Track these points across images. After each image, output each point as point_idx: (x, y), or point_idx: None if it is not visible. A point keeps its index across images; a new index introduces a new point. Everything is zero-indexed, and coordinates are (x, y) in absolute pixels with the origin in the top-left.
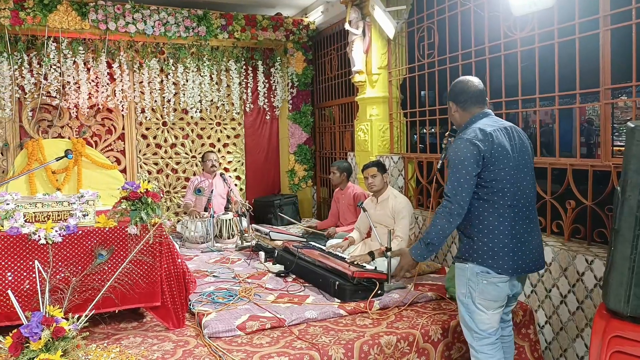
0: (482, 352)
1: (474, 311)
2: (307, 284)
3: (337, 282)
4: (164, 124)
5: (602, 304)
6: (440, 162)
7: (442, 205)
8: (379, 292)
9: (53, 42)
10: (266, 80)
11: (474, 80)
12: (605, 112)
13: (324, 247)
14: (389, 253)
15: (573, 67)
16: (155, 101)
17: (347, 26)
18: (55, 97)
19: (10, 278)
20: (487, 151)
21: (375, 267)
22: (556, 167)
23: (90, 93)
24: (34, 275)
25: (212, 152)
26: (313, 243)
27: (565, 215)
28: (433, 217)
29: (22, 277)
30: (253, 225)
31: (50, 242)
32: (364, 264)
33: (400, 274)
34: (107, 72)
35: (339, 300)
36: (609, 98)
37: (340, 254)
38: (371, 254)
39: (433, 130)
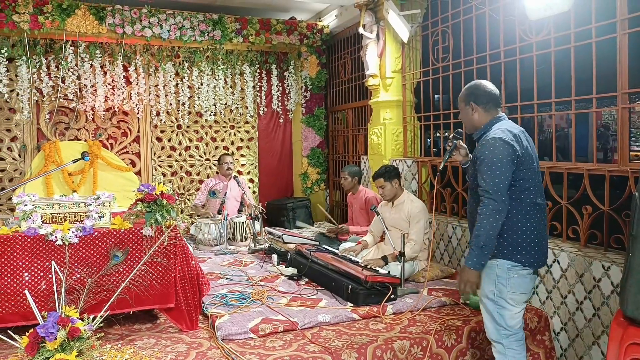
0: (510, 348)
1: (504, 307)
2: (319, 288)
3: (350, 286)
4: (179, 126)
5: (619, 311)
6: (442, 164)
7: (484, 205)
8: (392, 296)
9: (71, 45)
10: (280, 84)
11: (491, 84)
12: (622, 116)
13: (336, 251)
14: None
15: (589, 71)
16: (170, 104)
17: (361, 30)
18: (72, 100)
19: (27, 278)
20: (519, 151)
21: (389, 272)
22: (572, 172)
23: (106, 96)
24: (50, 275)
25: (227, 154)
26: (326, 246)
27: (582, 220)
28: (478, 220)
29: (39, 277)
30: (266, 228)
31: (67, 243)
32: (377, 268)
33: (465, 289)
34: (123, 76)
35: (352, 304)
36: (627, 102)
37: (353, 258)
38: (384, 259)
39: (447, 134)
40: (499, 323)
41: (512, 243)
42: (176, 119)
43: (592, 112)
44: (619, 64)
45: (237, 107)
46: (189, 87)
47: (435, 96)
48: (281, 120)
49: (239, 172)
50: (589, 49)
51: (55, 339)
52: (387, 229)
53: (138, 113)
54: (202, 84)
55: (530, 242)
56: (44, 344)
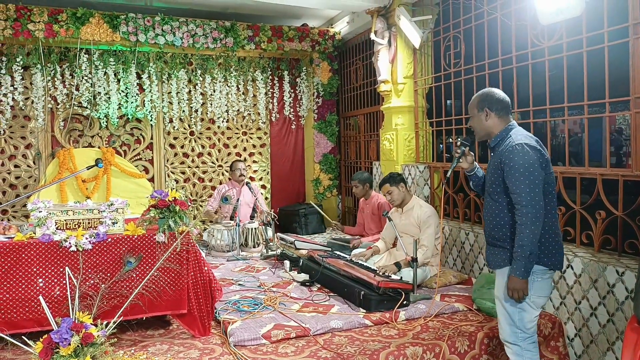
0: (527, 350)
1: (526, 310)
2: (332, 294)
3: (363, 292)
4: (192, 133)
5: (633, 317)
6: (450, 171)
7: (522, 214)
8: (405, 302)
9: (85, 53)
10: (292, 90)
11: (501, 92)
12: (635, 121)
13: (348, 257)
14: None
15: (602, 75)
16: (183, 111)
17: (372, 36)
18: (86, 108)
19: (41, 284)
20: (544, 156)
21: (401, 277)
22: (585, 177)
23: (120, 103)
24: (64, 281)
25: (240, 161)
26: (338, 252)
27: (595, 225)
28: (519, 230)
29: (53, 283)
30: (278, 234)
31: (81, 250)
32: (390, 274)
33: (514, 296)
34: (137, 83)
35: (364, 310)
36: None
37: (365, 264)
38: (397, 265)
39: (450, 140)
40: (517, 326)
41: (539, 247)
42: (189, 125)
43: (605, 117)
44: (631, 69)
45: (250, 114)
46: (201, 94)
47: (447, 101)
48: (293, 127)
49: (252, 179)
50: (601, 54)
51: (69, 344)
52: (398, 234)
53: (151, 120)
54: (214, 91)
55: (555, 245)
56: (57, 350)
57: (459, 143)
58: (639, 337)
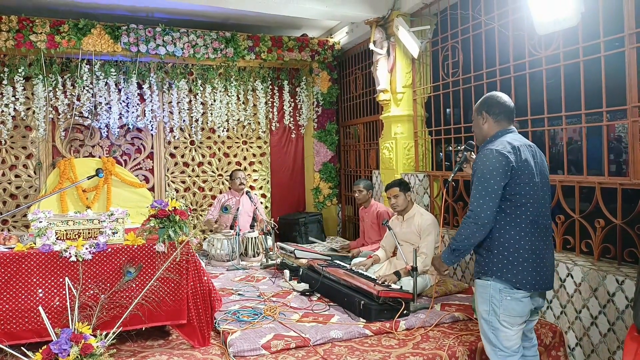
0: None
1: (498, 328)
2: (332, 303)
3: (363, 302)
4: (192, 142)
5: (633, 326)
6: (452, 175)
7: (466, 215)
8: (405, 312)
9: (86, 64)
10: (292, 100)
11: (507, 97)
12: (633, 129)
13: (348, 266)
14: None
15: (599, 84)
16: (184, 121)
17: (371, 46)
18: (87, 118)
19: (41, 294)
20: (515, 163)
21: (401, 287)
22: (584, 186)
23: (120, 113)
24: (64, 292)
25: (240, 170)
26: (338, 262)
27: (595, 234)
28: (460, 226)
29: (53, 294)
30: (278, 243)
31: (81, 260)
32: (390, 284)
33: (437, 272)
34: (138, 93)
35: (364, 320)
36: (637, 116)
37: (365, 273)
38: (397, 274)
39: (459, 147)
40: (494, 344)
41: (502, 260)
42: (189, 135)
43: (603, 126)
44: (628, 78)
45: (250, 123)
46: (202, 103)
47: (446, 110)
48: (293, 136)
49: (251, 188)
50: (598, 63)
51: (68, 355)
52: (398, 243)
53: (152, 130)
54: (215, 101)
55: (523, 262)
56: None
57: (462, 148)
58: (639, 346)
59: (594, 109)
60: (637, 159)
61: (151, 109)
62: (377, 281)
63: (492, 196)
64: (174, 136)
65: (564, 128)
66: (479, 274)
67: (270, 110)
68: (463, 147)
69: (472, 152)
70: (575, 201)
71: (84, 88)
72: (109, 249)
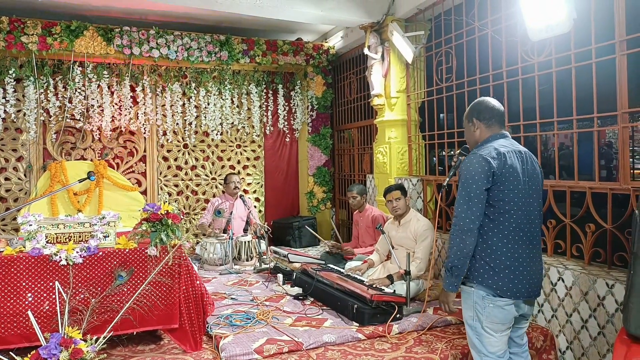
0: None
1: (482, 334)
2: (325, 307)
3: (356, 306)
4: (185, 146)
5: (623, 329)
6: (447, 180)
7: (453, 224)
8: (398, 315)
9: (78, 66)
10: (286, 103)
11: (496, 102)
12: (623, 135)
13: (342, 270)
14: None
15: (590, 90)
16: (177, 124)
17: (366, 51)
18: (79, 120)
19: (30, 299)
20: (499, 169)
21: (394, 291)
22: (575, 190)
23: (113, 116)
24: (53, 296)
25: (234, 174)
26: (331, 266)
27: (585, 238)
28: (449, 241)
29: (42, 298)
30: (271, 247)
31: (71, 263)
32: (383, 287)
33: (445, 308)
34: (131, 96)
35: (358, 324)
36: (627, 122)
37: (359, 277)
38: (390, 277)
39: (452, 152)
40: (479, 350)
41: (483, 266)
42: (183, 138)
43: (594, 131)
44: (618, 84)
45: (244, 127)
46: (195, 106)
47: (440, 115)
48: (287, 140)
49: (245, 191)
50: (589, 69)
51: None
52: (393, 247)
53: (145, 133)
54: (208, 104)
55: (504, 269)
56: None
57: (457, 152)
58: (628, 349)
59: (585, 114)
60: (627, 164)
61: (144, 112)
62: (371, 285)
63: (475, 201)
64: (167, 139)
65: (556, 133)
66: (464, 279)
67: (265, 114)
68: (458, 151)
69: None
70: (566, 206)
71: (76, 90)
72: (100, 253)
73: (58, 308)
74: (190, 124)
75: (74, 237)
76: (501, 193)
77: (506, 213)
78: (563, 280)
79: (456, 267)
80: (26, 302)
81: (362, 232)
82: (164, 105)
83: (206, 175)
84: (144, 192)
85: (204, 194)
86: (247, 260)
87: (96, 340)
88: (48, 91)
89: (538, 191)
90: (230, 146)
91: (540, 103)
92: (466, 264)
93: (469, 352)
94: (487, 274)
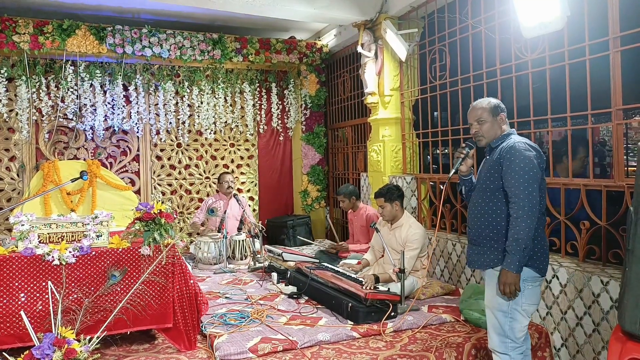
0: None
1: (516, 319)
2: (319, 306)
3: (350, 304)
4: (179, 145)
5: (617, 326)
6: (452, 171)
7: (518, 208)
8: (393, 314)
9: (71, 65)
10: (280, 102)
11: None
12: (617, 132)
13: (337, 268)
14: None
15: (584, 88)
16: (170, 123)
17: (359, 49)
18: (72, 120)
19: (23, 299)
20: (541, 163)
21: (389, 289)
22: (570, 188)
23: (106, 115)
24: (46, 296)
25: (227, 173)
26: (326, 264)
27: (580, 236)
28: (514, 223)
29: (35, 298)
30: (266, 246)
31: (64, 263)
32: (378, 286)
33: (506, 291)
34: (123, 95)
35: (352, 322)
36: (621, 119)
37: (353, 275)
38: (376, 278)
39: (446, 150)
40: (507, 335)
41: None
42: (176, 137)
43: (588, 129)
44: (612, 81)
45: (237, 125)
46: (189, 105)
47: (434, 113)
48: (281, 138)
49: (239, 190)
50: (583, 66)
51: None
52: (386, 246)
53: (138, 132)
54: (202, 103)
55: (542, 249)
56: None
57: (464, 145)
58: (623, 346)
59: (579, 111)
60: (621, 161)
61: (137, 111)
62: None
63: (535, 186)
64: (161, 138)
65: (549, 131)
66: (495, 261)
67: (258, 112)
68: (465, 144)
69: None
70: (560, 203)
71: (68, 90)
72: (93, 252)
73: (51, 308)
74: (183, 122)
75: (67, 236)
76: (535, 183)
77: (540, 199)
78: (558, 278)
79: (528, 247)
80: (19, 303)
81: (356, 231)
82: (157, 104)
83: (200, 174)
84: (138, 192)
85: (197, 193)
86: (242, 259)
87: (90, 340)
88: (40, 90)
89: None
90: (224, 145)
91: (534, 100)
92: (530, 245)
93: (464, 350)
94: (535, 256)
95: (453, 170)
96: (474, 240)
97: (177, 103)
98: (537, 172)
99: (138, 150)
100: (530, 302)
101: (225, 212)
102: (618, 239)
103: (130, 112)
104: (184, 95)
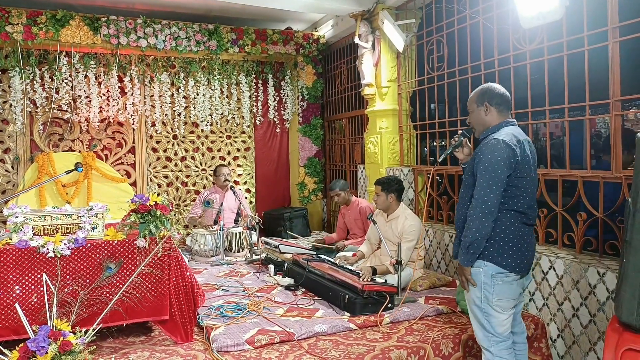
0: (499, 356)
1: (491, 314)
2: (316, 298)
3: (347, 296)
4: (175, 137)
5: (614, 317)
6: (442, 156)
7: (474, 206)
8: (389, 305)
9: (65, 56)
10: (276, 94)
11: (503, 88)
12: (615, 123)
13: (333, 260)
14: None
15: (582, 79)
16: (166, 114)
17: (356, 40)
18: (67, 111)
19: (18, 291)
20: (520, 157)
21: (385, 280)
22: (567, 179)
23: (101, 107)
24: (41, 288)
25: (224, 165)
26: (322, 256)
27: (577, 227)
28: (468, 220)
29: (30, 290)
30: (263, 238)
31: (59, 255)
32: (375, 278)
33: (461, 280)
34: (118, 86)
35: (349, 314)
36: (619, 110)
37: (349, 267)
38: (374, 270)
39: (443, 142)
40: (487, 330)
41: (493, 245)
42: (172, 129)
43: (585, 120)
44: (611, 72)
45: (234, 117)
46: (184, 97)
47: (431, 105)
48: (278, 130)
49: (236, 182)
50: (581, 57)
51: (47, 353)
52: (382, 237)
53: (133, 124)
54: (198, 94)
55: (512, 246)
56: (34, 359)
57: (459, 132)
58: (620, 337)
59: (577, 102)
60: (619, 152)
61: (132, 103)
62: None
63: (498, 185)
64: (156, 130)
65: (547, 122)
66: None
67: (255, 104)
68: (460, 132)
69: (468, 140)
70: (557, 195)
71: (62, 81)
72: (88, 245)
73: (46, 300)
74: (179, 114)
75: (62, 228)
76: (516, 179)
77: (515, 197)
78: (554, 269)
79: (473, 245)
80: (14, 295)
81: (351, 225)
82: (153, 95)
83: (196, 166)
84: (133, 184)
85: (194, 185)
86: (238, 251)
87: (85, 332)
88: (34, 82)
89: (536, 178)
90: (220, 137)
91: (532, 92)
92: (483, 243)
93: (460, 340)
94: (496, 252)
95: (443, 156)
96: (457, 232)
97: (172, 95)
98: (503, 172)
99: (134, 142)
100: (502, 298)
101: (221, 205)
102: (615, 230)
103: (126, 104)
104: (180, 87)
